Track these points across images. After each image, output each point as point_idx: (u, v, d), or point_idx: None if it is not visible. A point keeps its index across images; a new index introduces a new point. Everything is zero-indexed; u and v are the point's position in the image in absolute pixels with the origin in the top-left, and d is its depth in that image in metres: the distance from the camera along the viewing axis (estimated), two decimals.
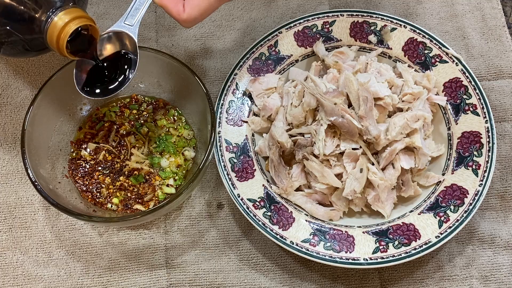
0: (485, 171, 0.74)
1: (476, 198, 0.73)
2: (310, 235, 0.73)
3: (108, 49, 0.72)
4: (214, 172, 0.82)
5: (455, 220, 0.72)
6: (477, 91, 0.79)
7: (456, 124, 0.79)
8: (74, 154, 0.81)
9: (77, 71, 0.71)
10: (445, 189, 0.75)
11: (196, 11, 0.66)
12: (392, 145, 0.74)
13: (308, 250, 0.71)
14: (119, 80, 0.72)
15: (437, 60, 0.82)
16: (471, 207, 0.72)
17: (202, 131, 0.80)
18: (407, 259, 0.70)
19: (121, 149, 0.81)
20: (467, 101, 0.79)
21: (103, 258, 0.78)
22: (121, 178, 0.79)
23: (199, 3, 0.65)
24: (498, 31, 0.91)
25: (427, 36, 0.83)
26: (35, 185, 0.70)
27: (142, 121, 0.83)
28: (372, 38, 0.85)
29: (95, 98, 0.73)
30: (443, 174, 0.77)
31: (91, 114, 0.83)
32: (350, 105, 0.76)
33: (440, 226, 0.72)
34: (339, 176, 0.75)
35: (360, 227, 0.74)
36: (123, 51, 0.72)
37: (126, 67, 0.72)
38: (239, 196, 0.75)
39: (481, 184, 0.74)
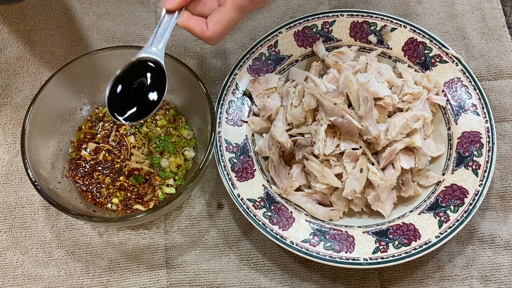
0: (485, 171, 0.74)
1: (476, 198, 0.73)
2: (310, 235, 0.73)
3: (137, 75, 0.71)
4: (214, 172, 0.82)
5: (455, 220, 0.72)
6: (477, 91, 0.79)
7: (456, 124, 0.79)
8: (74, 154, 0.81)
9: (109, 97, 0.70)
10: (445, 189, 0.75)
11: (219, 26, 0.66)
12: (392, 145, 0.74)
13: (308, 250, 0.71)
14: (150, 102, 0.70)
15: (437, 60, 0.82)
16: (471, 207, 0.72)
17: (202, 131, 0.80)
18: (407, 259, 0.70)
19: (121, 149, 0.81)
20: (467, 101, 0.79)
21: (103, 258, 0.78)
22: (121, 178, 0.79)
23: (220, 19, 0.66)
24: (498, 31, 0.91)
25: (427, 36, 0.83)
26: (35, 185, 0.70)
27: (142, 121, 0.83)
28: (372, 38, 0.85)
29: (129, 122, 0.71)
30: (443, 174, 0.77)
31: (91, 114, 0.83)
32: (350, 105, 0.76)
33: (440, 226, 0.72)
34: (339, 176, 0.75)
35: (360, 227, 0.74)
36: (151, 75, 0.71)
37: (155, 90, 0.70)
38: (239, 196, 0.75)
39: (481, 184, 0.74)
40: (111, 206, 0.77)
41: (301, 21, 0.85)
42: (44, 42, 0.92)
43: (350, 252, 0.71)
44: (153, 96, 0.70)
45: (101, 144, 0.81)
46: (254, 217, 0.73)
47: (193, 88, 0.77)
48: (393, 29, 0.84)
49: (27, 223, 0.80)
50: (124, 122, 0.70)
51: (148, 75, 0.70)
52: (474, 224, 0.78)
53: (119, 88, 0.70)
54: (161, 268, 0.77)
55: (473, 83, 0.80)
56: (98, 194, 0.78)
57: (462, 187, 0.74)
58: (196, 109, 0.80)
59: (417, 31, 0.84)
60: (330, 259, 0.70)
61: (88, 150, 0.81)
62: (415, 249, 0.71)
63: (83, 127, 0.83)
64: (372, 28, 0.85)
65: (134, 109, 0.70)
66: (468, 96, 0.80)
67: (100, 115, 0.83)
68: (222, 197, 0.81)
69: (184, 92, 0.81)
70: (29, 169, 0.71)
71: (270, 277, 0.76)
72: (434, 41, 0.83)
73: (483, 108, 0.78)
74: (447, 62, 0.82)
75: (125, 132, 0.82)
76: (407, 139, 0.75)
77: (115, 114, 0.70)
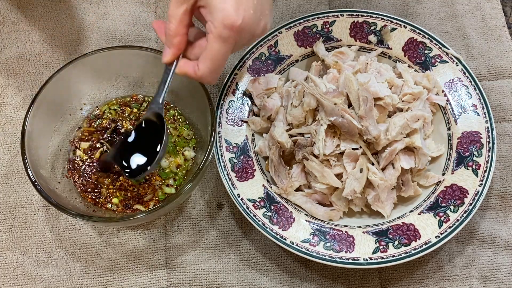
0: (485, 171, 0.74)
1: (476, 198, 0.73)
2: (310, 235, 0.73)
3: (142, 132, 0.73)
4: (214, 172, 0.82)
5: (455, 220, 0.72)
6: (477, 91, 0.79)
7: (456, 124, 0.79)
8: (72, 154, 0.80)
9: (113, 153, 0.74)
10: (445, 189, 0.75)
11: (208, 62, 0.66)
12: (392, 145, 0.74)
13: (308, 250, 0.71)
14: (154, 153, 0.71)
15: (437, 60, 0.82)
16: (471, 207, 0.72)
17: (202, 131, 0.80)
18: (407, 259, 0.70)
19: None
20: (467, 101, 0.79)
21: (103, 258, 0.78)
22: (121, 178, 0.79)
23: (207, 55, 0.65)
24: (498, 31, 0.91)
25: (427, 36, 0.83)
26: (35, 185, 0.70)
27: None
28: (372, 38, 0.85)
29: (133, 178, 0.73)
30: (443, 174, 0.77)
31: (91, 112, 0.83)
32: (350, 105, 0.76)
33: (440, 226, 0.72)
34: (339, 176, 0.75)
35: (360, 227, 0.74)
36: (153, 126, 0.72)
37: (157, 139, 0.72)
38: (239, 196, 0.75)
39: (481, 184, 0.74)
40: (111, 206, 0.77)
41: (301, 21, 0.85)
42: (44, 42, 0.92)
43: (350, 252, 0.71)
44: (155, 147, 0.71)
45: (100, 140, 0.81)
46: (254, 217, 0.73)
47: (193, 88, 0.77)
48: (393, 29, 0.84)
49: (27, 223, 0.80)
50: (132, 178, 0.73)
51: (151, 127, 0.72)
52: (474, 224, 0.78)
53: (127, 145, 0.73)
54: (161, 268, 0.77)
55: (473, 83, 0.80)
56: (98, 194, 0.78)
57: (462, 187, 0.74)
58: (196, 109, 0.80)
59: (417, 31, 0.84)
60: (330, 259, 0.70)
61: (82, 149, 0.80)
62: (415, 249, 0.71)
63: (82, 125, 0.82)
64: (372, 28, 0.85)
65: (140, 163, 0.72)
66: (468, 96, 0.80)
67: (100, 113, 0.83)
68: (222, 197, 0.81)
69: (184, 92, 0.81)
70: (29, 169, 0.71)
71: (270, 277, 0.76)
72: (434, 41, 0.83)
73: (483, 108, 0.78)
74: (447, 62, 0.82)
75: (124, 131, 0.82)
76: (407, 139, 0.75)
77: (124, 170, 0.72)
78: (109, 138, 0.81)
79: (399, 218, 0.74)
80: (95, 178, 0.79)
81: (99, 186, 0.78)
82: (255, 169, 0.77)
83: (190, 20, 0.68)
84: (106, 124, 0.82)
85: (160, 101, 0.71)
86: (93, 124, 0.82)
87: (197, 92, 0.76)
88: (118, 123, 0.82)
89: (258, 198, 0.75)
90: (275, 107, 0.80)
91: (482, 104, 0.79)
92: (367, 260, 0.70)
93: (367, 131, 0.73)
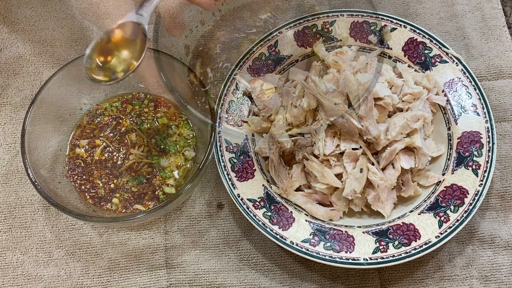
0: (485, 171, 0.74)
1: (476, 198, 0.73)
2: (310, 235, 0.73)
3: (118, 37, 0.70)
4: (214, 172, 0.82)
5: (455, 220, 0.72)
6: (477, 91, 0.79)
7: (456, 124, 0.79)
8: (71, 153, 0.80)
9: (88, 59, 0.68)
10: (445, 189, 0.75)
11: None
12: (392, 145, 0.74)
13: (308, 250, 0.71)
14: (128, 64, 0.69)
15: (437, 60, 0.82)
16: (471, 207, 0.72)
17: (202, 131, 0.80)
18: (407, 259, 0.70)
19: (120, 147, 0.81)
20: (467, 101, 0.79)
21: (103, 258, 0.78)
22: (120, 178, 0.79)
23: None
24: (498, 31, 0.91)
25: (427, 36, 0.83)
26: (35, 185, 0.70)
27: (143, 118, 0.83)
28: (372, 38, 0.85)
29: (100, 83, 0.69)
30: (443, 174, 0.77)
31: (90, 109, 0.83)
32: (350, 105, 0.76)
33: (440, 226, 0.72)
34: (339, 176, 0.75)
35: (360, 227, 0.74)
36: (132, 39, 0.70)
37: (135, 53, 0.69)
38: (239, 196, 0.75)
39: (481, 184, 0.74)
40: (111, 206, 0.77)
41: (301, 21, 0.85)
42: (44, 42, 0.92)
43: (350, 252, 0.71)
44: (131, 59, 0.68)
45: (100, 137, 0.81)
46: (254, 217, 0.73)
47: (193, 88, 0.77)
48: (393, 29, 0.84)
49: (27, 223, 0.80)
50: (96, 83, 0.68)
51: (131, 38, 0.69)
52: (474, 224, 0.78)
53: (101, 50, 0.68)
54: (161, 268, 0.77)
55: (473, 83, 0.80)
56: (98, 194, 0.78)
57: (462, 187, 0.74)
58: (196, 109, 0.80)
59: (417, 31, 0.84)
60: (330, 259, 0.70)
61: (81, 146, 0.80)
62: (415, 249, 0.71)
63: (80, 123, 0.82)
64: (372, 28, 0.85)
65: (113, 70, 0.68)
66: (468, 96, 0.80)
67: (102, 109, 0.83)
68: (222, 197, 0.81)
69: (185, 92, 0.81)
70: (29, 169, 0.71)
71: (270, 277, 0.76)
72: (434, 41, 0.83)
73: (483, 108, 0.78)
74: (447, 62, 0.82)
75: (124, 129, 0.82)
76: (407, 139, 0.75)
77: (93, 75, 0.67)
78: (110, 135, 0.81)
79: (399, 218, 0.74)
80: (95, 177, 0.79)
81: (98, 186, 0.78)
82: (255, 169, 0.77)
83: None
84: (107, 121, 0.82)
85: (146, 14, 0.68)
86: (94, 120, 0.82)
87: (197, 92, 0.76)
88: (120, 121, 0.82)
89: (258, 198, 0.75)
90: (275, 107, 0.80)
91: (482, 104, 0.79)
92: (367, 260, 0.70)
93: (367, 131, 0.74)
